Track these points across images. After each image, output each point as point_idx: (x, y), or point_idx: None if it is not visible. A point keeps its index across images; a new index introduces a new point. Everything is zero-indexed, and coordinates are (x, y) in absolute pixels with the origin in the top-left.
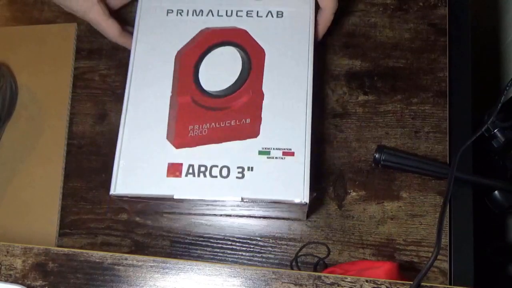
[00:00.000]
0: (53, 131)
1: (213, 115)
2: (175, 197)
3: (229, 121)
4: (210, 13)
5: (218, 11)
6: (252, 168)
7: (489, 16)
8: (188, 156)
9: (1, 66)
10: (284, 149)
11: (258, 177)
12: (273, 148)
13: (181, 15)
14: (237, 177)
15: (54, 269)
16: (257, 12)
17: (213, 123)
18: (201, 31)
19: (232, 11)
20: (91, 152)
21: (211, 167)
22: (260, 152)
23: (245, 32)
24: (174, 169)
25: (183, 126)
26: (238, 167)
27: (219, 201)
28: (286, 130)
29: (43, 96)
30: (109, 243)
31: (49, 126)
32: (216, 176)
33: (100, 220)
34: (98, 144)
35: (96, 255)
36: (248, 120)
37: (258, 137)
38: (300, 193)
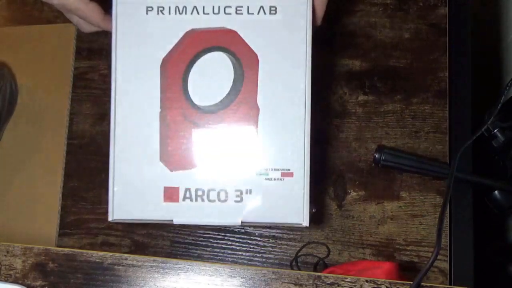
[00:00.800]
0: (53, 131)
1: (207, 133)
2: (174, 222)
3: (224, 140)
4: (195, 10)
5: (203, 7)
6: (250, 191)
7: (489, 16)
8: (184, 179)
9: (1, 66)
10: (283, 169)
11: (257, 200)
12: (271, 169)
13: (163, 13)
14: (235, 201)
15: (54, 269)
16: (248, 8)
17: (207, 143)
18: (187, 34)
19: (219, 7)
20: (91, 152)
21: (209, 191)
22: (258, 174)
23: (235, 34)
24: (170, 194)
25: (177, 147)
26: (236, 190)
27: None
28: (284, 150)
29: (43, 96)
30: (109, 243)
31: (49, 126)
32: (214, 200)
33: (100, 220)
34: (98, 144)
35: (96, 255)
36: (244, 139)
37: (255, 157)
38: (300, 216)
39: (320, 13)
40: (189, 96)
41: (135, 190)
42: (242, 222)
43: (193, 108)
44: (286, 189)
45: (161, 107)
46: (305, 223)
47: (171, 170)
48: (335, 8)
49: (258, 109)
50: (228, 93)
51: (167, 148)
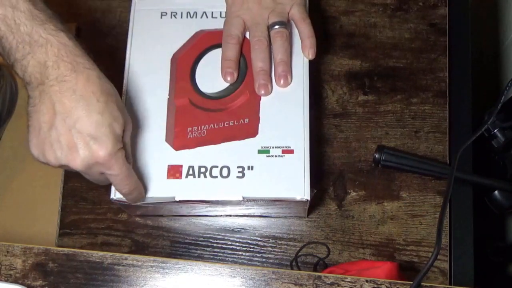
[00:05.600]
0: None
1: (211, 116)
2: (176, 198)
3: (227, 122)
4: (204, 15)
5: (212, 12)
6: (252, 167)
7: (489, 16)
8: (188, 157)
9: (1, 67)
10: (283, 147)
11: (259, 176)
12: (272, 147)
13: (175, 17)
14: (237, 177)
15: (54, 269)
16: None
17: (211, 124)
18: (196, 34)
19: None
20: None
21: (211, 167)
22: (260, 151)
23: None
24: (174, 171)
25: (182, 128)
26: (238, 167)
27: (220, 201)
28: (284, 128)
29: None
30: (109, 243)
31: None
32: (216, 177)
33: (100, 220)
34: None
35: (96, 255)
36: (246, 120)
37: (257, 136)
38: (301, 190)
39: (312, 45)
40: (196, 84)
41: (139, 168)
42: (243, 197)
43: (199, 95)
44: (287, 166)
45: (169, 94)
46: (306, 196)
47: (176, 150)
48: (335, 7)
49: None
50: (232, 82)
51: (172, 130)
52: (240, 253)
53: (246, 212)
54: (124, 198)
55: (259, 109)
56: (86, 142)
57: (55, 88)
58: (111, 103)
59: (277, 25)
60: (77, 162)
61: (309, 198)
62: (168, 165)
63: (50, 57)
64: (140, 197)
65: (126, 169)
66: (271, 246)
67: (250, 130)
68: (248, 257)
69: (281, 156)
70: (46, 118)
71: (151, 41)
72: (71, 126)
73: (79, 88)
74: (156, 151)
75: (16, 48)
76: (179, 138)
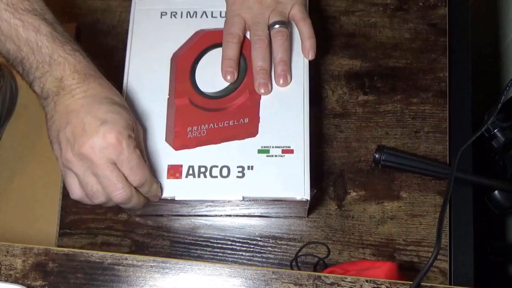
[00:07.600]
0: None
1: (211, 116)
2: (176, 198)
3: (227, 122)
4: (204, 14)
5: (212, 12)
6: (252, 167)
7: (489, 16)
8: (188, 157)
9: (1, 67)
10: (283, 147)
11: (258, 175)
12: (272, 147)
13: (175, 17)
14: (237, 177)
15: (54, 269)
16: None
17: (211, 124)
18: (196, 33)
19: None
20: None
21: (211, 167)
22: (260, 151)
23: None
24: (174, 171)
25: (182, 128)
26: (238, 167)
27: (219, 201)
28: (284, 128)
29: None
30: (109, 243)
31: None
32: (216, 176)
33: (100, 220)
34: None
35: (96, 255)
36: (246, 120)
37: (257, 136)
38: (301, 190)
39: (312, 46)
40: (196, 84)
41: None
42: (243, 197)
43: (199, 94)
44: (287, 165)
45: (169, 94)
46: (306, 196)
47: (176, 149)
48: (335, 7)
49: (260, 94)
50: (233, 81)
51: (172, 129)
52: (240, 253)
53: (246, 212)
54: None
55: (259, 108)
56: (96, 125)
57: (69, 94)
58: (120, 104)
59: (278, 24)
60: (87, 146)
61: (309, 198)
62: (168, 165)
63: (66, 72)
64: (154, 193)
65: (136, 156)
66: (271, 246)
67: (250, 129)
68: (248, 257)
69: (281, 156)
70: (62, 121)
71: (151, 41)
72: (83, 117)
73: (89, 89)
74: (156, 151)
75: (36, 68)
76: (179, 138)
